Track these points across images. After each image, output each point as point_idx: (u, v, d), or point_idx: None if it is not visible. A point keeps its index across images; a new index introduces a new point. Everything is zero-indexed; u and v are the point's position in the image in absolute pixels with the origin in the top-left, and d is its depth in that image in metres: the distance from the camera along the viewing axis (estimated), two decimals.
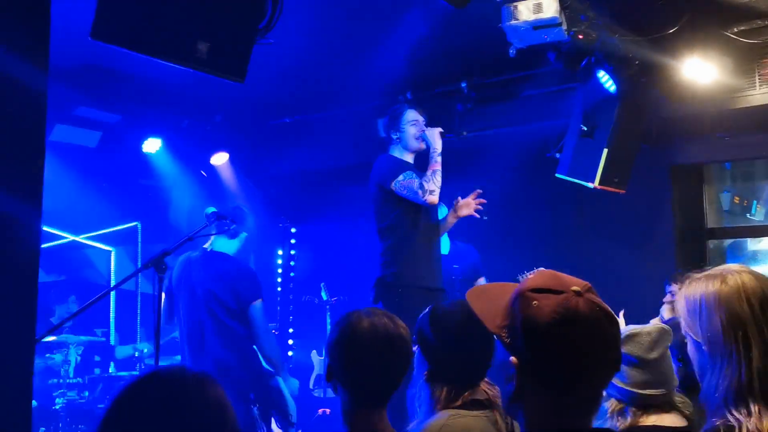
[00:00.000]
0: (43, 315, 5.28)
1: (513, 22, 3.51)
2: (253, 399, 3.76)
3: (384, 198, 3.83)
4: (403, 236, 3.78)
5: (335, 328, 1.81)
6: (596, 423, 1.83)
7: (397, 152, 3.95)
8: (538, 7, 3.42)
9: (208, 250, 3.94)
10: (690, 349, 1.50)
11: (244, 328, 3.79)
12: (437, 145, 3.82)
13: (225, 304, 3.76)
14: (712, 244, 5.59)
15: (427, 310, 2.06)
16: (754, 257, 5.80)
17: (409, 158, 3.95)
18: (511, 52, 3.73)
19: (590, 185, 4.44)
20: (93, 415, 4.80)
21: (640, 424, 1.83)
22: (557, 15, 3.45)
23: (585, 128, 4.43)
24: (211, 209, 3.79)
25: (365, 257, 5.92)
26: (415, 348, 1.96)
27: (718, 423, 1.35)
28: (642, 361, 1.87)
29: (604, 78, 4.22)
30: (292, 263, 7.04)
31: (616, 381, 1.87)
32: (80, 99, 5.20)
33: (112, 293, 5.83)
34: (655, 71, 4.32)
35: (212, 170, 6.46)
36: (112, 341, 5.85)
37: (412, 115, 3.93)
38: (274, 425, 3.83)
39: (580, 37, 3.69)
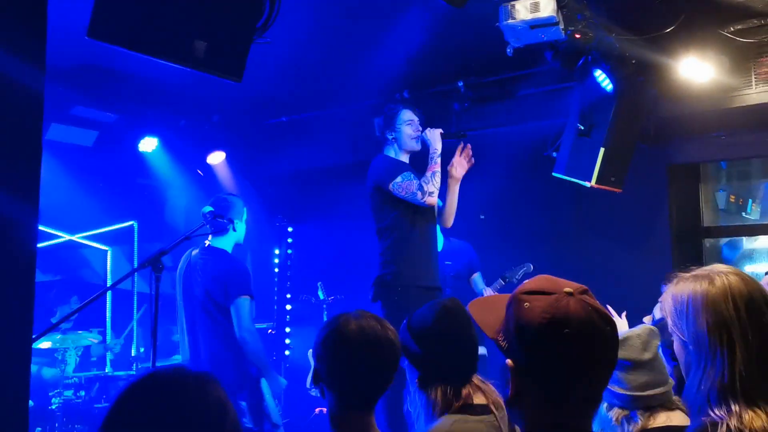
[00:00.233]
0: (43, 315, 5.27)
1: (510, 21, 3.52)
2: (241, 396, 3.76)
3: (382, 199, 3.83)
4: (402, 236, 3.79)
5: (323, 331, 1.80)
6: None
7: (392, 152, 3.93)
8: (536, 7, 3.42)
9: (206, 245, 3.92)
10: (676, 347, 1.51)
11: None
12: (437, 146, 3.81)
13: (216, 302, 3.76)
14: (708, 242, 5.60)
15: (404, 322, 2.05)
16: (749, 256, 5.82)
17: (405, 158, 3.93)
18: (509, 51, 3.74)
19: (587, 184, 4.45)
20: (89, 415, 4.79)
21: (651, 426, 1.84)
22: (554, 14, 3.46)
23: (582, 127, 4.44)
24: (208, 208, 3.78)
25: (362, 256, 5.92)
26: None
27: (705, 421, 1.37)
28: (637, 363, 1.88)
29: (600, 77, 4.23)
30: (289, 263, 7.04)
31: (615, 389, 1.88)
32: (77, 98, 5.19)
33: (108, 293, 5.82)
34: (652, 70, 4.34)
35: (209, 169, 6.45)
36: (109, 341, 5.84)
37: (407, 115, 3.90)
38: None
39: (577, 36, 3.70)
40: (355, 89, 5.49)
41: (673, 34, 4.00)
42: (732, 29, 4.18)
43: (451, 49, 4.82)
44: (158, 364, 3.36)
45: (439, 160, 3.80)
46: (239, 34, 2.55)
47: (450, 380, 1.94)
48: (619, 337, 1.89)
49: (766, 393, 1.34)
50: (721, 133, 4.98)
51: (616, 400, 1.88)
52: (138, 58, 2.44)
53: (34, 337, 1.86)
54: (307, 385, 6.17)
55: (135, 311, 6.14)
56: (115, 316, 6.13)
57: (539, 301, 1.17)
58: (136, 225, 6.28)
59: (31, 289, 1.69)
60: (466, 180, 3.97)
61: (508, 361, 1.19)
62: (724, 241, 5.76)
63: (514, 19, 3.50)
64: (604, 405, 1.90)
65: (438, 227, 4.10)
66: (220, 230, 3.83)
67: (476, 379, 1.98)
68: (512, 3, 3.49)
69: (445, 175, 3.88)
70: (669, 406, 1.90)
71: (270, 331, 6.64)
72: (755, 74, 4.30)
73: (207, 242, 3.93)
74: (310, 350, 5.97)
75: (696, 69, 4.23)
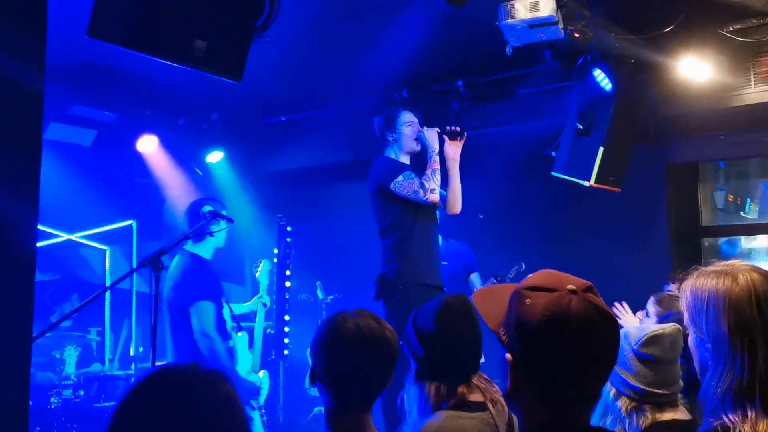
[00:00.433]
0: (42, 314, 5.26)
1: (509, 20, 3.52)
2: None
3: (384, 199, 3.87)
4: (403, 235, 3.83)
5: (320, 329, 1.79)
6: (608, 418, 1.84)
7: (392, 154, 3.98)
8: (535, 6, 3.42)
9: (183, 250, 3.98)
10: (691, 342, 1.48)
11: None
12: (435, 145, 3.85)
13: (177, 306, 3.82)
14: (707, 242, 5.61)
15: (412, 314, 2.06)
16: (748, 255, 5.83)
17: (405, 159, 3.97)
18: (508, 50, 3.74)
19: (586, 183, 4.45)
20: (88, 415, 4.78)
21: (658, 420, 1.84)
22: (554, 13, 3.46)
23: (581, 127, 4.44)
24: (208, 207, 3.78)
25: (362, 256, 5.92)
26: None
27: (715, 423, 1.35)
28: (662, 361, 1.88)
29: (600, 76, 4.23)
30: (287, 262, 7.03)
31: (632, 380, 1.87)
32: (75, 97, 5.19)
33: (107, 292, 5.82)
34: (651, 70, 4.34)
35: (208, 169, 6.45)
36: (108, 341, 5.83)
37: (407, 117, 3.96)
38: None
39: (576, 35, 3.70)
40: (354, 89, 5.49)
41: (672, 34, 4.00)
42: (731, 29, 4.18)
43: (450, 49, 4.82)
44: (157, 363, 3.36)
45: (437, 158, 3.84)
46: (239, 33, 2.55)
47: (447, 378, 1.94)
48: (652, 334, 1.89)
49: None
50: (720, 132, 4.98)
51: (630, 390, 1.87)
52: (137, 57, 2.44)
53: (33, 336, 1.85)
54: (306, 385, 6.20)
55: (134, 311, 6.13)
56: (113, 316, 6.13)
57: (541, 298, 1.16)
58: (135, 224, 6.26)
59: (30, 289, 1.69)
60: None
61: (508, 356, 1.19)
62: (722, 240, 5.77)
63: (514, 18, 3.51)
64: (612, 391, 1.89)
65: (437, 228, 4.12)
66: (198, 235, 3.87)
67: (477, 377, 1.98)
68: (511, 2, 3.49)
69: (443, 163, 3.91)
70: (674, 405, 1.91)
71: (269, 330, 6.63)
72: (754, 74, 4.31)
73: (190, 252, 3.98)
74: (309, 350, 5.96)
75: (695, 68, 4.23)
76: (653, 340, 1.89)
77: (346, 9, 4.18)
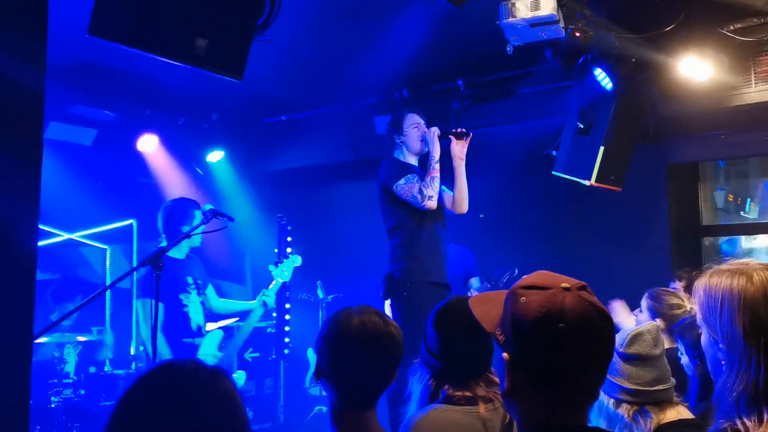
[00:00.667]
0: (42, 313, 5.26)
1: (510, 19, 3.52)
2: None
3: (389, 199, 3.97)
4: (410, 234, 3.92)
5: (325, 326, 1.79)
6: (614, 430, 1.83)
7: (400, 155, 4.08)
8: (536, 5, 3.42)
9: None
10: (704, 342, 1.45)
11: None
12: (435, 153, 3.93)
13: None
14: (707, 241, 5.61)
15: (431, 312, 2.06)
16: (748, 255, 5.83)
17: (413, 160, 4.08)
18: (509, 49, 3.74)
19: (587, 183, 4.45)
20: (89, 414, 4.78)
21: (663, 421, 1.84)
22: (554, 12, 3.46)
23: (581, 126, 4.44)
24: (208, 206, 3.78)
25: (362, 255, 5.92)
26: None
27: (726, 425, 1.32)
28: (648, 358, 1.89)
29: (600, 76, 4.23)
30: None
31: (624, 383, 1.88)
32: (76, 96, 5.19)
33: (108, 291, 5.82)
34: (652, 69, 4.33)
35: (208, 168, 6.45)
36: (109, 340, 5.83)
37: (413, 119, 4.06)
38: None
39: (577, 34, 3.70)
40: (354, 88, 5.49)
41: (672, 33, 4.00)
42: (731, 28, 4.18)
43: (450, 48, 4.82)
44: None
45: (437, 166, 3.92)
46: (240, 31, 2.55)
47: (459, 379, 1.94)
48: (633, 334, 1.91)
49: None
50: (720, 132, 4.98)
51: (625, 395, 1.88)
52: (137, 56, 2.43)
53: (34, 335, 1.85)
54: (306, 384, 6.18)
55: (134, 310, 6.13)
56: (114, 315, 6.13)
57: (536, 295, 1.17)
58: (135, 223, 6.27)
59: (31, 288, 1.69)
60: (466, 178, 4.00)
61: (505, 355, 1.20)
62: (723, 239, 5.77)
63: (515, 17, 3.51)
64: (611, 402, 1.90)
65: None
66: (168, 238, 3.97)
67: (486, 376, 1.97)
68: (512, 1, 3.49)
69: (448, 161, 3.97)
70: (673, 402, 1.92)
71: (269, 329, 6.63)
72: (755, 73, 4.30)
73: None
74: (310, 349, 6.00)
75: (695, 68, 4.23)
76: (635, 339, 1.92)
77: (346, 8, 4.19)
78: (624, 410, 1.87)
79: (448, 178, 4.06)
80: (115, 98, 5.44)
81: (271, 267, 4.38)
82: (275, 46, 2.94)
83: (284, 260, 4.42)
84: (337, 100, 5.82)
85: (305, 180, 6.79)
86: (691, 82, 4.32)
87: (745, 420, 1.29)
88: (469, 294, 4.95)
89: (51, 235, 5.66)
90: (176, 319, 3.94)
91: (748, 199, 5.76)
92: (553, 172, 4.63)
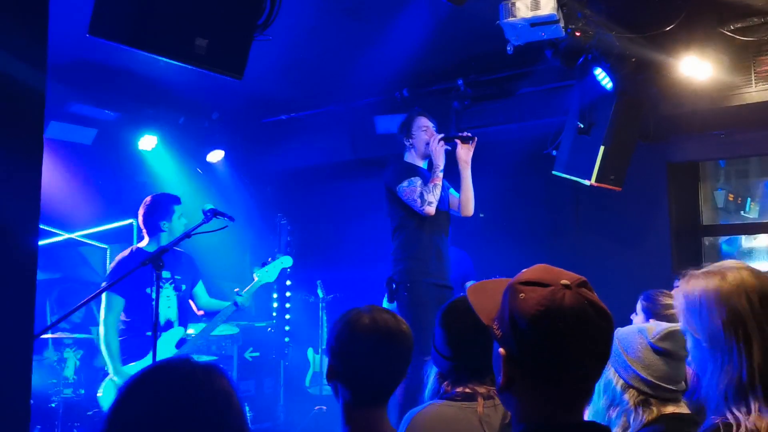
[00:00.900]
0: (42, 312, 5.26)
1: (511, 19, 3.52)
2: None
3: (393, 200, 4.01)
4: (411, 235, 3.95)
5: (336, 326, 1.80)
6: (613, 411, 1.83)
7: (410, 157, 4.13)
8: (536, 4, 3.42)
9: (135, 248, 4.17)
10: (690, 346, 1.50)
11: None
12: (440, 161, 3.97)
13: None
14: (707, 241, 5.61)
15: (439, 312, 2.06)
16: (748, 254, 5.84)
17: (421, 163, 4.11)
18: (509, 49, 3.74)
19: (587, 182, 4.45)
20: (89, 414, 4.78)
21: (665, 412, 1.85)
22: (555, 12, 3.46)
23: (582, 125, 4.44)
24: (209, 205, 3.78)
25: (362, 254, 5.92)
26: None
27: (717, 421, 1.35)
28: (675, 357, 1.90)
29: (600, 75, 4.23)
30: None
31: (642, 371, 1.88)
32: (76, 96, 5.19)
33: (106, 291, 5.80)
34: (652, 69, 4.33)
35: (208, 167, 6.44)
36: None
37: (422, 122, 4.11)
38: None
39: (578, 34, 3.70)
40: (354, 87, 5.49)
41: (673, 33, 4.00)
42: (732, 27, 4.18)
43: (450, 47, 4.82)
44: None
45: (440, 174, 3.96)
46: (240, 31, 2.55)
47: (469, 379, 1.94)
48: (669, 330, 1.91)
49: None
50: (720, 131, 4.98)
51: (639, 382, 1.88)
52: (138, 55, 2.44)
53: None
54: (306, 384, 6.16)
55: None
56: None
57: (535, 292, 1.16)
58: (135, 223, 6.26)
59: (32, 289, 1.69)
60: None
61: (501, 350, 1.19)
62: (722, 239, 5.78)
63: (515, 16, 3.51)
64: (620, 383, 1.90)
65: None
66: (149, 234, 4.06)
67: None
68: (512, 1, 3.49)
69: (451, 165, 4.02)
70: (678, 402, 1.92)
71: (269, 329, 6.63)
72: (755, 72, 4.30)
73: (136, 246, 4.14)
74: (310, 349, 6.01)
75: (696, 67, 4.23)
76: (670, 335, 1.92)
77: (347, 7, 4.19)
78: (630, 396, 1.88)
79: (454, 181, 4.09)
80: (115, 97, 5.44)
81: (255, 268, 4.34)
82: (275, 46, 2.94)
83: (271, 261, 4.37)
84: (338, 100, 5.82)
85: (305, 179, 6.79)
86: (692, 82, 4.32)
87: (735, 411, 1.33)
88: None
89: (51, 234, 5.65)
90: (140, 312, 3.94)
91: (749, 199, 5.76)
92: (554, 172, 4.62)
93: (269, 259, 4.42)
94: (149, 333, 3.93)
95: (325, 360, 5.99)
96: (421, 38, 4.47)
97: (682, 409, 1.90)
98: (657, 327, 1.97)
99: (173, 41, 2.38)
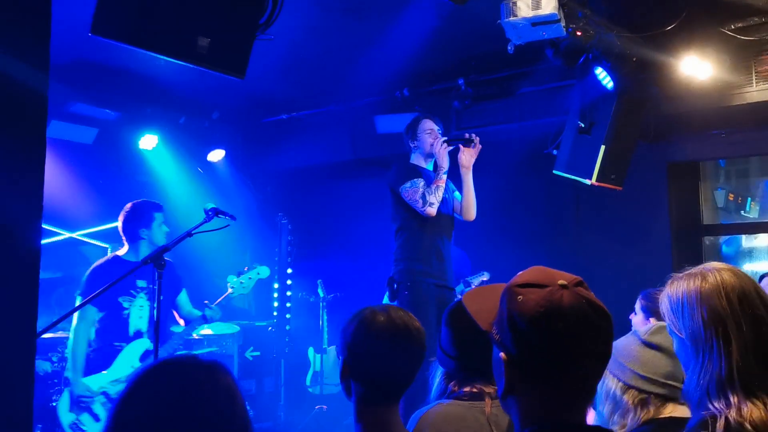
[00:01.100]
0: (42, 312, 5.25)
1: (512, 18, 3.52)
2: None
3: (396, 200, 4.03)
4: (413, 236, 3.97)
5: (351, 324, 1.79)
6: (615, 415, 1.84)
7: (415, 159, 4.15)
8: (537, 4, 3.42)
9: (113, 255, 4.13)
10: (676, 347, 1.55)
11: None
12: (444, 164, 3.98)
13: None
14: (707, 240, 5.61)
15: (445, 312, 2.07)
16: (749, 254, 5.84)
17: (427, 164, 4.13)
18: (510, 48, 3.74)
19: (587, 182, 4.45)
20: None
21: (661, 415, 1.86)
22: (556, 11, 3.46)
23: (582, 125, 4.45)
24: (211, 204, 3.78)
25: (362, 254, 5.93)
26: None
27: (704, 414, 1.39)
28: (667, 351, 1.90)
29: (601, 75, 4.23)
30: (288, 260, 7.04)
31: (638, 369, 1.89)
32: (77, 95, 5.19)
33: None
34: (653, 68, 4.34)
35: (209, 167, 6.45)
36: None
37: (428, 125, 4.13)
38: None
39: (578, 33, 3.70)
40: (355, 87, 5.49)
41: (673, 32, 4.00)
42: (732, 27, 4.18)
43: (451, 47, 4.82)
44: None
45: (444, 176, 3.97)
46: (242, 30, 2.56)
47: (476, 379, 1.95)
48: (658, 325, 1.92)
49: (763, 384, 1.38)
50: (721, 131, 4.98)
51: (637, 380, 1.89)
52: (138, 55, 2.44)
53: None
54: (307, 383, 6.14)
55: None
56: None
57: (533, 293, 1.17)
58: None
59: (35, 287, 1.70)
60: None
61: (501, 354, 1.19)
62: (723, 239, 5.78)
63: (516, 16, 3.51)
64: (619, 386, 1.91)
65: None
66: (128, 241, 4.02)
67: None
68: (514, 0, 3.49)
69: (457, 168, 4.04)
70: (677, 401, 1.92)
71: (270, 329, 6.64)
72: (756, 72, 4.31)
73: (113, 253, 4.11)
74: (310, 348, 6.00)
75: (696, 67, 4.23)
76: (661, 329, 1.92)
77: (347, 7, 4.19)
78: (630, 396, 1.89)
79: (458, 184, 4.10)
80: (116, 97, 5.44)
81: (231, 278, 4.18)
82: (276, 45, 2.95)
83: (248, 270, 4.23)
84: (338, 99, 5.82)
85: (306, 179, 6.79)
86: (692, 81, 4.33)
87: (717, 405, 1.38)
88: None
89: (52, 233, 5.66)
90: (111, 322, 3.90)
91: (749, 199, 5.77)
92: (554, 171, 4.63)
93: (245, 268, 4.28)
94: (116, 343, 3.92)
95: (326, 359, 6.03)
96: (422, 38, 4.48)
97: (679, 411, 1.89)
98: (647, 326, 1.98)
99: (175, 40, 2.39)
